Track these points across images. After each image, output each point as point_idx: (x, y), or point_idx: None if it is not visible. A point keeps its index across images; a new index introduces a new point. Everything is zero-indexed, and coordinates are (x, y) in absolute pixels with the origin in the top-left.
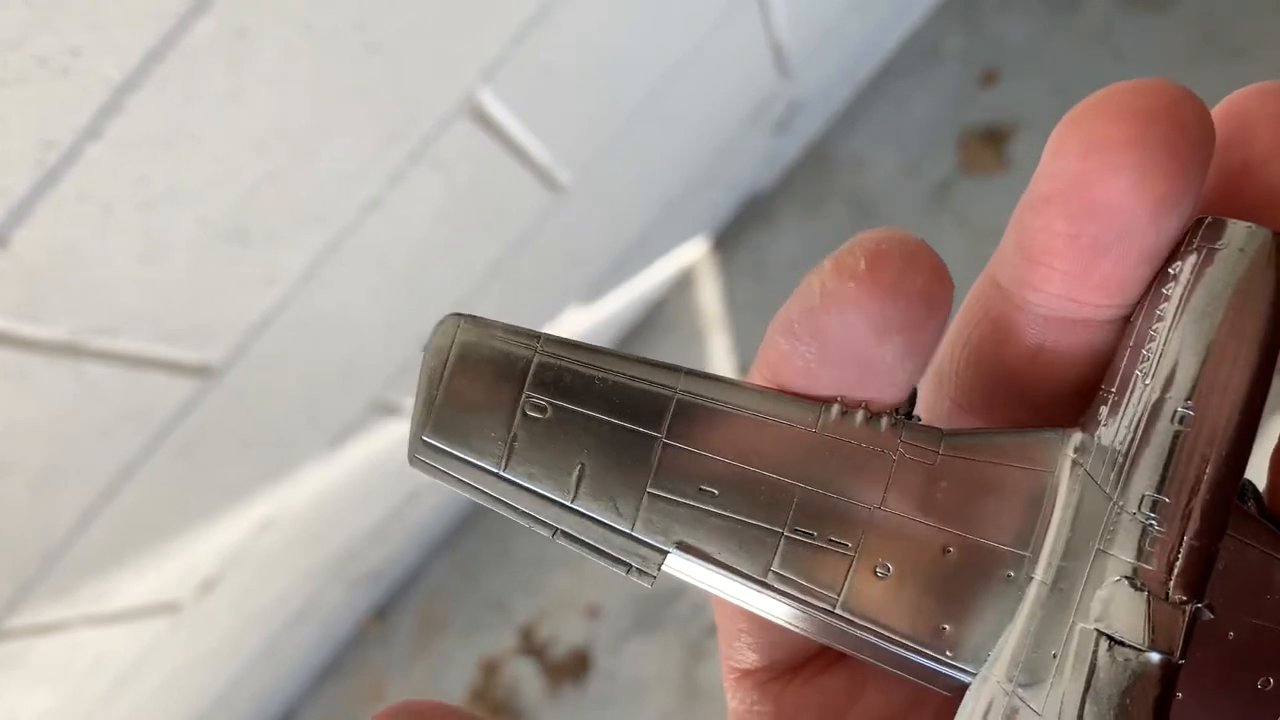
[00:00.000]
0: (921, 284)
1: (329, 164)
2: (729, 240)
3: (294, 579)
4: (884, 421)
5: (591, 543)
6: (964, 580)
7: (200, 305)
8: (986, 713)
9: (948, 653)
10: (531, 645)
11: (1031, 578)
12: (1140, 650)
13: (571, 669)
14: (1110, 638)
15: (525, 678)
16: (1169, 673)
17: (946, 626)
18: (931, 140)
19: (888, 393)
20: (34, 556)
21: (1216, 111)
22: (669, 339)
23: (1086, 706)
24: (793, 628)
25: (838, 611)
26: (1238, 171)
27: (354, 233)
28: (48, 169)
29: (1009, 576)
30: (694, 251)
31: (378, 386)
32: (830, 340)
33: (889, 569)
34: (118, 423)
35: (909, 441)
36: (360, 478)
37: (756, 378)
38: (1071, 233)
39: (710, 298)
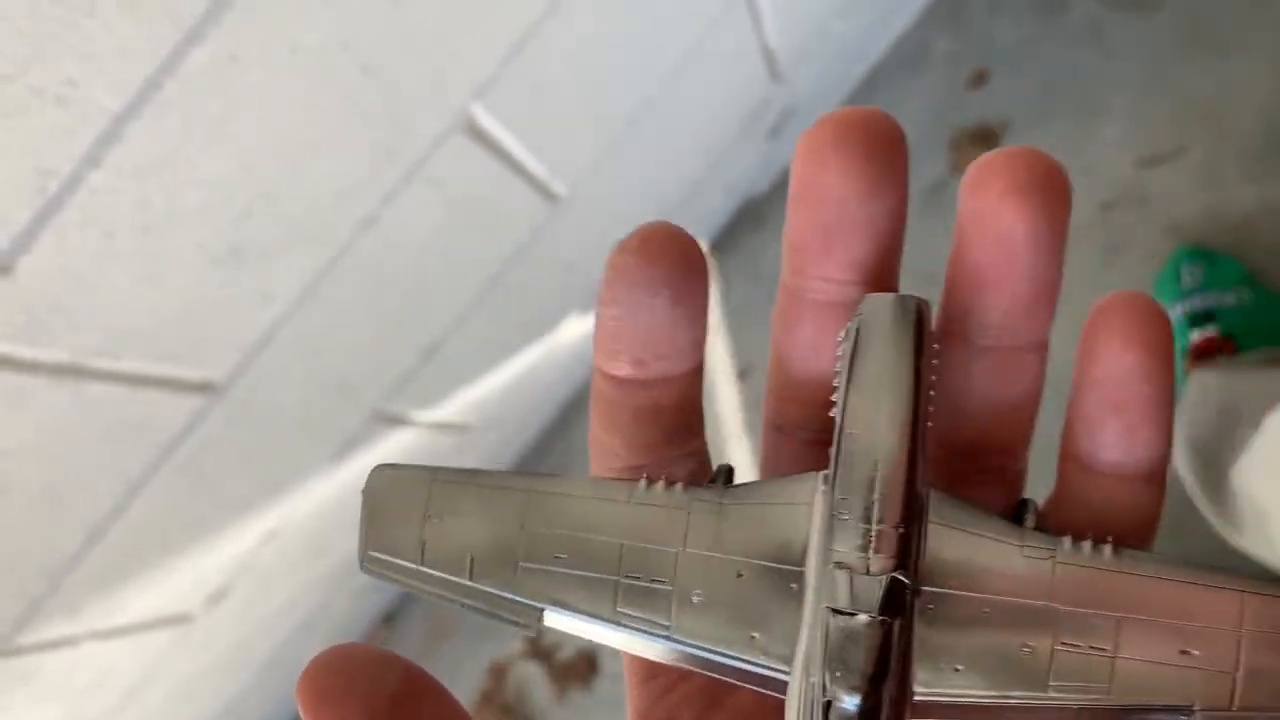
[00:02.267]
0: (678, 252)
1: (324, 184)
2: (725, 244)
3: (301, 589)
4: (678, 487)
5: (486, 609)
6: (759, 596)
7: (200, 324)
8: (800, 704)
9: (761, 657)
10: (539, 649)
11: (807, 584)
12: (850, 614)
13: (579, 672)
14: (833, 609)
15: (533, 681)
16: (879, 629)
17: (755, 635)
18: (923, 142)
19: (676, 356)
20: (42, 574)
21: None
22: None
23: (828, 666)
24: (650, 655)
25: (672, 636)
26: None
27: (350, 250)
28: (49, 197)
29: (793, 588)
30: None
31: (378, 398)
32: (623, 301)
33: (701, 596)
34: (123, 441)
35: (698, 497)
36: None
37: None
38: (809, 218)
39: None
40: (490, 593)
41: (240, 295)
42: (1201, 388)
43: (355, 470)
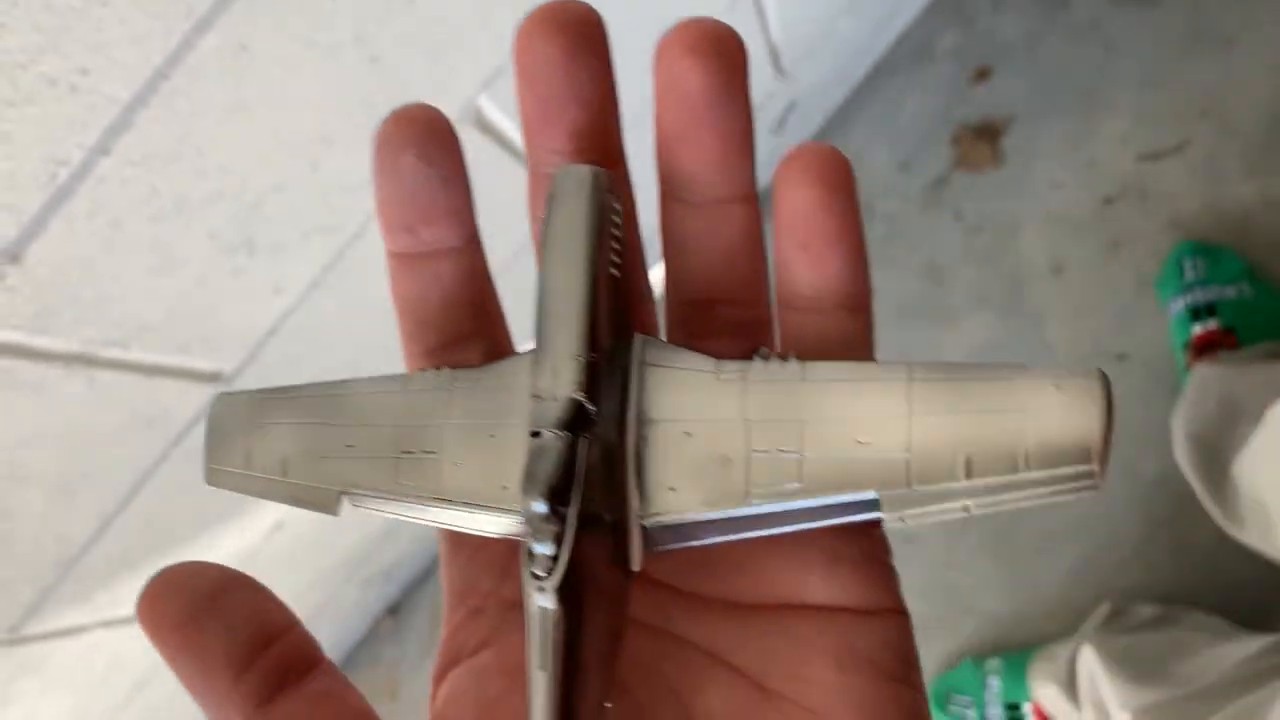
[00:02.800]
0: (423, 119)
1: (333, 174)
2: None
3: (307, 580)
4: (445, 370)
5: (298, 500)
6: (507, 451)
7: (210, 315)
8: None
9: (511, 503)
10: None
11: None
12: (538, 435)
13: None
14: (531, 434)
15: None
16: (559, 442)
17: (506, 485)
18: (926, 137)
19: (442, 222)
20: (52, 563)
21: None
22: None
23: (522, 482)
24: (434, 522)
25: (443, 497)
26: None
27: (359, 240)
28: (59, 186)
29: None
30: None
31: None
32: (381, 168)
33: (462, 459)
34: (132, 431)
35: (461, 377)
36: None
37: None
38: (528, 94)
39: None
40: (298, 485)
41: (250, 286)
42: (1202, 382)
43: None
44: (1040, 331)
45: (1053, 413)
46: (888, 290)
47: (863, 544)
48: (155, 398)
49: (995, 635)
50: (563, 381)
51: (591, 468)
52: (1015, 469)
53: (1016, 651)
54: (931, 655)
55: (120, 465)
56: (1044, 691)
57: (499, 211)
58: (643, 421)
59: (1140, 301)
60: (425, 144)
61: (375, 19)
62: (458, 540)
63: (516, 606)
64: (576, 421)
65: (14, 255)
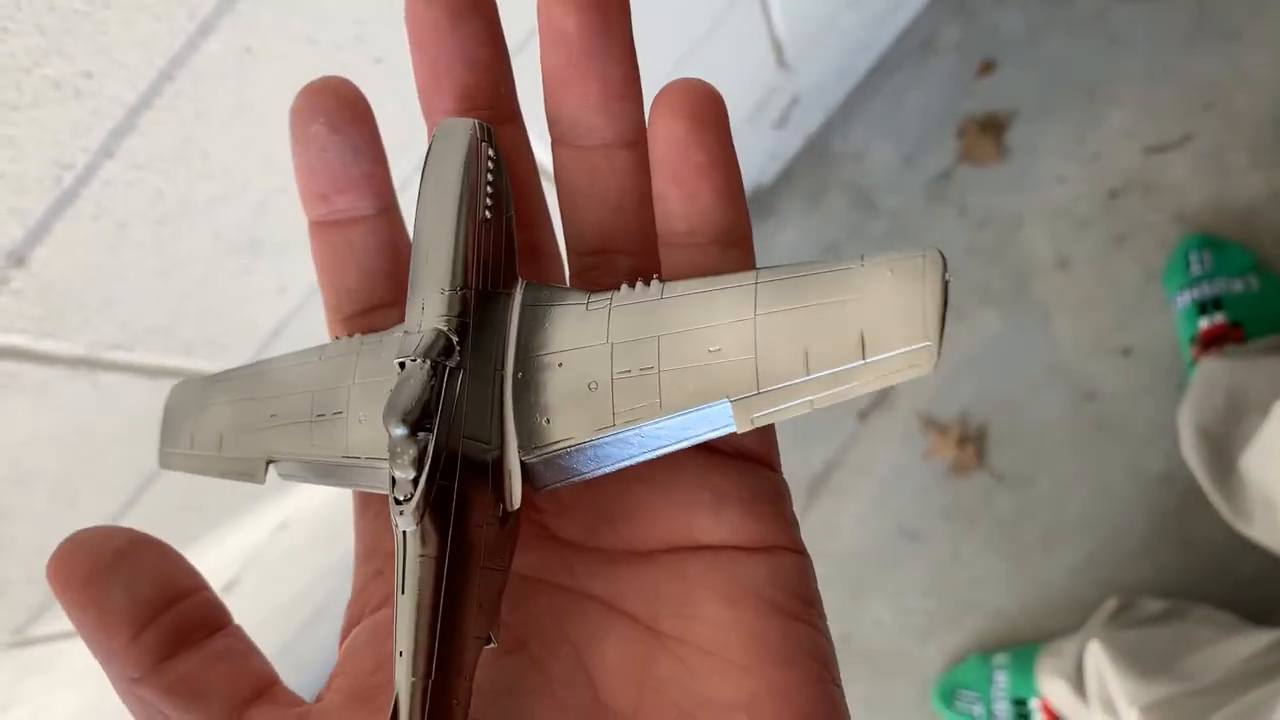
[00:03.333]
0: (333, 89)
1: None
2: None
3: (312, 579)
4: (356, 336)
5: (232, 473)
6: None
7: (215, 316)
8: None
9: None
10: None
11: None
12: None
13: None
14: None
15: None
16: (419, 369)
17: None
18: (930, 131)
19: (356, 189)
20: None
21: None
22: None
23: (385, 408)
24: (345, 484)
25: (349, 454)
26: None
27: None
28: (63, 189)
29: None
30: None
31: None
32: (295, 137)
33: (365, 415)
34: (136, 432)
35: (368, 341)
36: None
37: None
38: (421, 60)
39: None
40: (230, 458)
41: (255, 287)
42: (1209, 376)
43: None
44: (1045, 326)
45: (887, 295)
46: None
47: (749, 482)
48: (160, 400)
49: (1002, 631)
50: (429, 314)
51: (468, 404)
52: (854, 356)
53: (1023, 647)
54: (938, 651)
55: (124, 467)
56: (1051, 687)
57: None
58: (520, 359)
59: (1146, 295)
60: (334, 113)
61: (377, 19)
62: (365, 501)
63: None
64: (440, 350)
65: (19, 259)
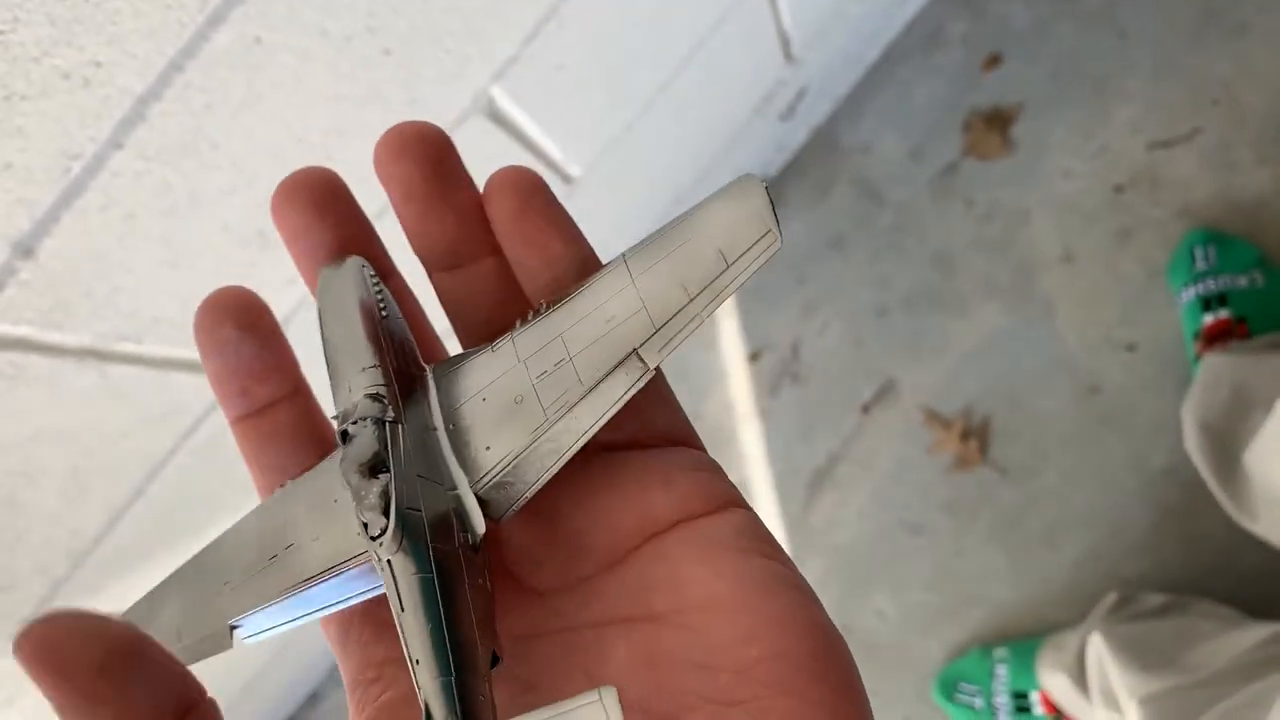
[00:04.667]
0: (231, 296)
1: (345, 167)
2: None
3: None
4: (290, 482)
5: (198, 655)
6: (349, 508)
7: None
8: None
9: (366, 550)
10: None
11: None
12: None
13: None
14: (345, 439)
15: None
16: (369, 426)
17: (359, 530)
18: (936, 124)
19: (271, 376)
20: (64, 556)
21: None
22: None
23: (344, 469)
24: (316, 612)
25: (311, 575)
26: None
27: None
28: (72, 180)
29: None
30: None
31: None
32: (206, 345)
33: (318, 535)
34: (144, 424)
35: (304, 476)
36: None
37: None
38: (294, 254)
39: None
40: (192, 643)
41: (263, 278)
42: (1213, 371)
43: None
44: (1050, 321)
45: (724, 216)
46: (897, 279)
47: (685, 459)
48: (167, 391)
49: (1003, 624)
50: (357, 389)
51: (405, 459)
52: (719, 266)
53: (1025, 640)
54: (940, 644)
55: (132, 458)
56: (1052, 680)
57: None
58: (446, 414)
59: (1151, 290)
60: (238, 316)
61: (388, 10)
62: (343, 632)
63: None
64: (377, 410)
65: (27, 250)
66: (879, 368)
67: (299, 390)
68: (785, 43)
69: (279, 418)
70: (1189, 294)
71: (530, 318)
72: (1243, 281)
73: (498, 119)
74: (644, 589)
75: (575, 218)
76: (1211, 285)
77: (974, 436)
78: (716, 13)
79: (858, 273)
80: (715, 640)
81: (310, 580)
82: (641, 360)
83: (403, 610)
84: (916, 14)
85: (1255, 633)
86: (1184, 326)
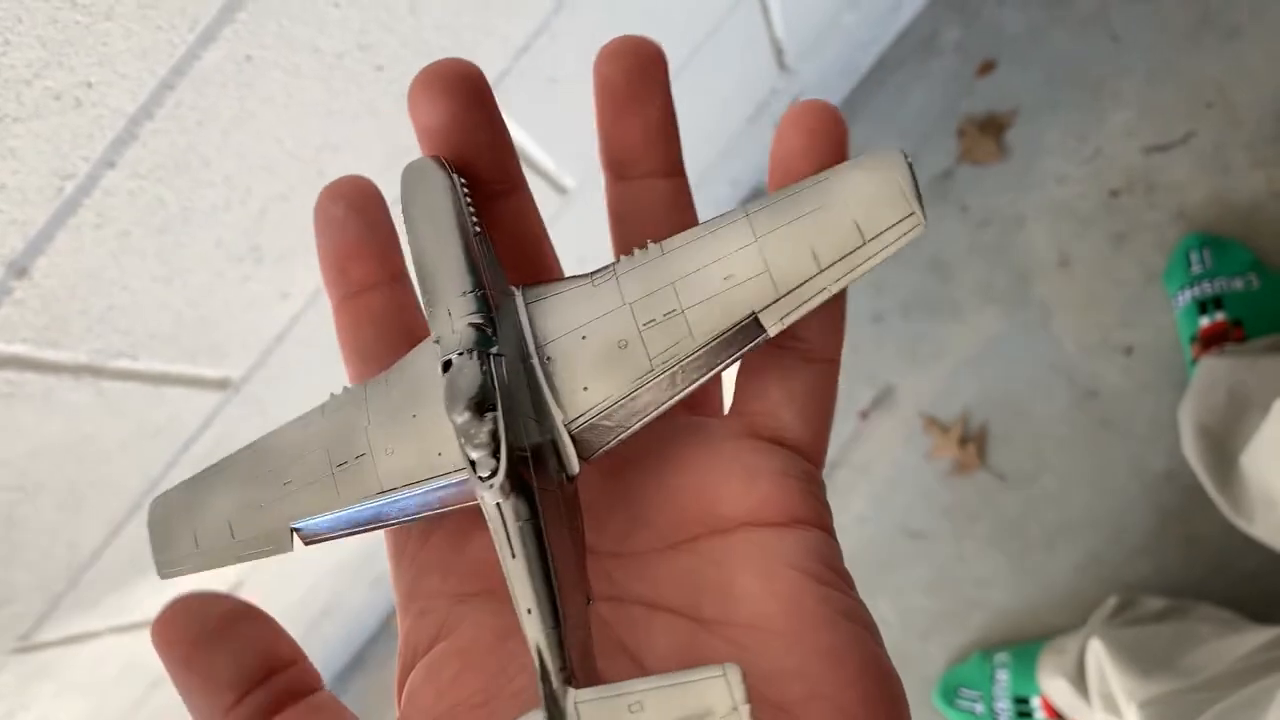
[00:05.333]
0: (350, 181)
1: None
2: None
3: (316, 580)
4: (354, 386)
5: (254, 554)
6: (432, 423)
7: (218, 322)
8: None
9: (450, 465)
10: None
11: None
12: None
13: None
14: (444, 367)
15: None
16: (469, 359)
17: (440, 452)
18: (931, 130)
19: (370, 259)
20: (63, 571)
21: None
22: None
23: (446, 402)
24: (378, 526)
25: (385, 489)
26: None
27: None
28: (65, 199)
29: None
30: None
31: None
32: (320, 223)
33: (391, 447)
34: (140, 439)
35: (371, 384)
36: None
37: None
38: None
39: None
40: (246, 539)
41: (257, 293)
42: (1210, 374)
43: None
44: (1047, 325)
45: (865, 188)
46: (894, 285)
47: (781, 462)
48: (163, 406)
49: (1004, 629)
50: (459, 316)
51: (508, 394)
52: (855, 240)
53: (1025, 645)
54: (940, 649)
55: (129, 473)
56: (1053, 685)
57: None
58: (542, 346)
59: (1147, 294)
60: (353, 199)
61: (379, 27)
62: (399, 546)
63: (464, 599)
64: (482, 340)
65: (21, 269)
66: (877, 374)
67: (396, 279)
68: (779, 51)
69: (373, 303)
70: (1185, 297)
71: (634, 254)
72: (1238, 284)
73: None
74: (695, 588)
75: (570, 229)
76: (1207, 288)
77: (972, 442)
78: (710, 22)
79: None
80: (759, 667)
81: (383, 494)
82: (760, 325)
83: (513, 557)
84: (910, 21)
85: (1255, 637)
86: (1180, 330)
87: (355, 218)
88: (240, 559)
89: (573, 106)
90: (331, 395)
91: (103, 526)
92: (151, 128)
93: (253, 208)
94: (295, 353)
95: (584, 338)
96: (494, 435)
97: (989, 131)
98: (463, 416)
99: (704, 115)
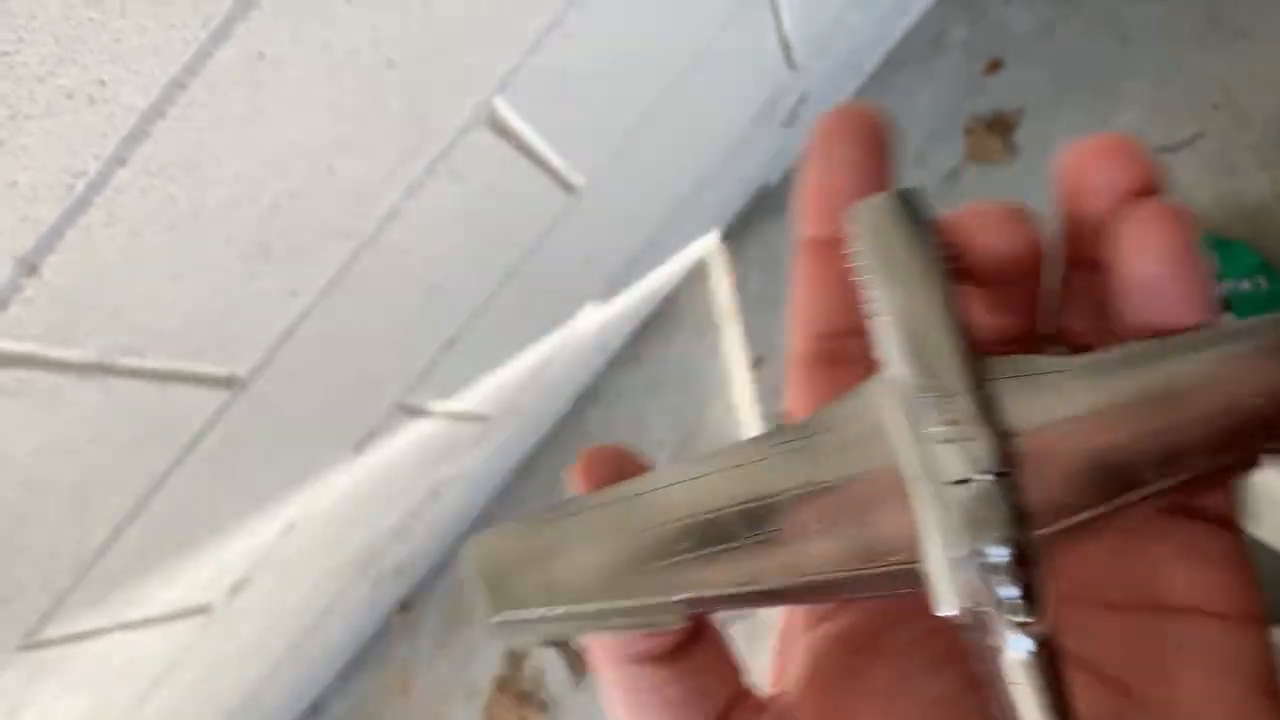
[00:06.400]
0: (858, 116)
1: (348, 179)
2: (739, 233)
3: (320, 578)
4: (750, 443)
5: (626, 624)
6: (864, 506)
7: (226, 320)
8: (949, 578)
9: (887, 558)
10: None
11: (905, 474)
12: (966, 481)
13: None
14: (951, 483)
15: (550, 666)
16: (1004, 483)
17: (873, 542)
18: (938, 129)
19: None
20: (69, 568)
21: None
22: (682, 331)
23: (969, 532)
24: (771, 606)
25: (804, 573)
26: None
27: (374, 244)
28: (76, 196)
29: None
30: (705, 244)
31: (398, 390)
32: (824, 157)
33: (817, 525)
34: (148, 436)
35: (774, 443)
36: (382, 478)
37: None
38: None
39: (722, 289)
40: (624, 607)
41: (266, 291)
42: None
43: (375, 462)
44: None
45: None
46: None
47: (1224, 545)
48: (171, 404)
49: None
50: (967, 417)
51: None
52: None
53: None
54: None
55: (135, 471)
56: None
57: (508, 212)
58: (1015, 436)
59: None
60: (865, 140)
61: (391, 23)
62: (793, 621)
63: None
64: (1002, 463)
65: (31, 267)
66: None
67: None
68: (787, 49)
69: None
70: None
71: (1121, 351)
72: (1246, 286)
73: (500, 130)
74: (1129, 657)
75: (577, 226)
76: (1215, 290)
77: None
78: (718, 20)
79: None
80: None
81: (811, 579)
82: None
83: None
84: (918, 20)
85: None
86: None
87: (862, 167)
88: (609, 629)
89: (582, 102)
90: (740, 443)
91: (108, 524)
92: (163, 125)
93: (262, 205)
94: (301, 353)
95: (1063, 435)
96: (1031, 575)
97: (996, 131)
98: (999, 554)
99: (712, 114)
